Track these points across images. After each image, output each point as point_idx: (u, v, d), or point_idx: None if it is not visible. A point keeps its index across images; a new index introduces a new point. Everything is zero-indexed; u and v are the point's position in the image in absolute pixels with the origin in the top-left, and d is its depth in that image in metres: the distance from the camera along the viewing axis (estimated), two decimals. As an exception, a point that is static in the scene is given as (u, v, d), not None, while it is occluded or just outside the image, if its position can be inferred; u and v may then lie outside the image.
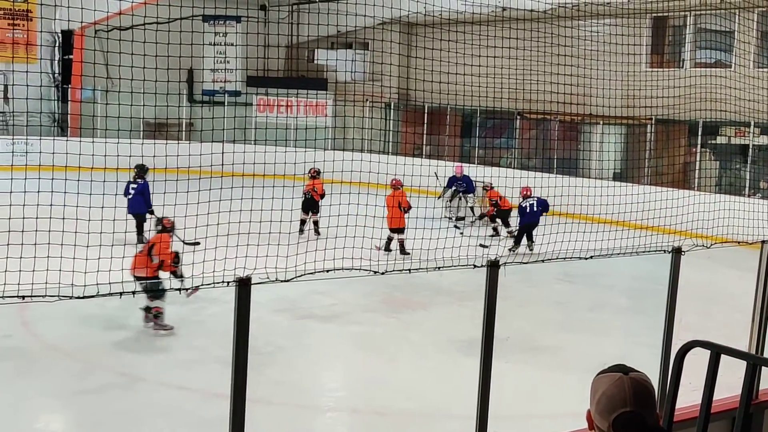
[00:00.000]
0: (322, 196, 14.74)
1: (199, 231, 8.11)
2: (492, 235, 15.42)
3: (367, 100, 22.29)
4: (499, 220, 15.94)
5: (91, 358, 8.57)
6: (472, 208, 17.34)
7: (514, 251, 13.88)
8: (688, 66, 18.94)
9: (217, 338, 8.81)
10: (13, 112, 21.24)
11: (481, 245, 14.38)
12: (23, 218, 5.92)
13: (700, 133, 17.95)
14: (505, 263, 4.29)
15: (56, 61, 23.85)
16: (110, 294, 3.76)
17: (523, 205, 14.38)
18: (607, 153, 19.82)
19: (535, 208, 14.27)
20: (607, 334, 10.16)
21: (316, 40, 24.31)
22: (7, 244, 5.92)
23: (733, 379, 3.66)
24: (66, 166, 6.99)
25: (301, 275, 4.36)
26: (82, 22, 19.31)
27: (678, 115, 14.41)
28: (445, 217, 16.95)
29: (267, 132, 20.24)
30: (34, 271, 5.18)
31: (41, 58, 23.15)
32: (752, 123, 16.48)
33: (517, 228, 14.49)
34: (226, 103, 23.90)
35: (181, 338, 9.21)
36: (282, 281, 4.16)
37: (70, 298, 3.72)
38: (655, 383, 2.93)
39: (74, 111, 22.40)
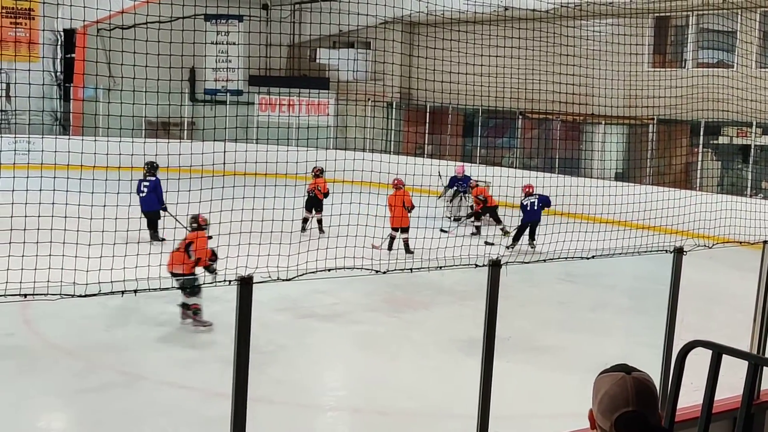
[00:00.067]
0: (326, 194, 14.74)
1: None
2: (474, 233, 15.42)
3: (369, 99, 22.28)
4: (491, 218, 15.91)
5: (93, 357, 8.57)
6: (471, 207, 17.35)
7: (511, 249, 13.88)
8: (690, 66, 18.91)
9: (218, 337, 8.83)
10: (15, 110, 21.25)
11: (486, 243, 14.40)
12: (25, 217, 5.93)
13: (702, 133, 17.93)
14: (507, 263, 4.28)
15: (58, 60, 23.90)
16: (112, 293, 3.75)
17: (525, 203, 14.36)
18: (609, 153, 19.82)
19: (536, 206, 14.26)
20: (609, 334, 10.15)
21: (318, 40, 24.33)
22: (9, 243, 5.93)
23: (735, 379, 3.66)
24: (68, 165, 7.02)
25: (303, 274, 4.36)
26: (84, 20, 19.27)
27: (680, 115, 14.41)
28: (446, 216, 17.00)
29: (269, 131, 20.19)
30: (36, 269, 5.19)
31: (43, 57, 23.19)
32: (754, 123, 16.47)
33: (518, 225, 14.48)
34: (228, 103, 23.95)
35: (183, 337, 9.21)
36: (284, 280, 4.16)
37: (72, 296, 3.72)
38: (657, 383, 2.92)
39: (76, 110, 22.43)
